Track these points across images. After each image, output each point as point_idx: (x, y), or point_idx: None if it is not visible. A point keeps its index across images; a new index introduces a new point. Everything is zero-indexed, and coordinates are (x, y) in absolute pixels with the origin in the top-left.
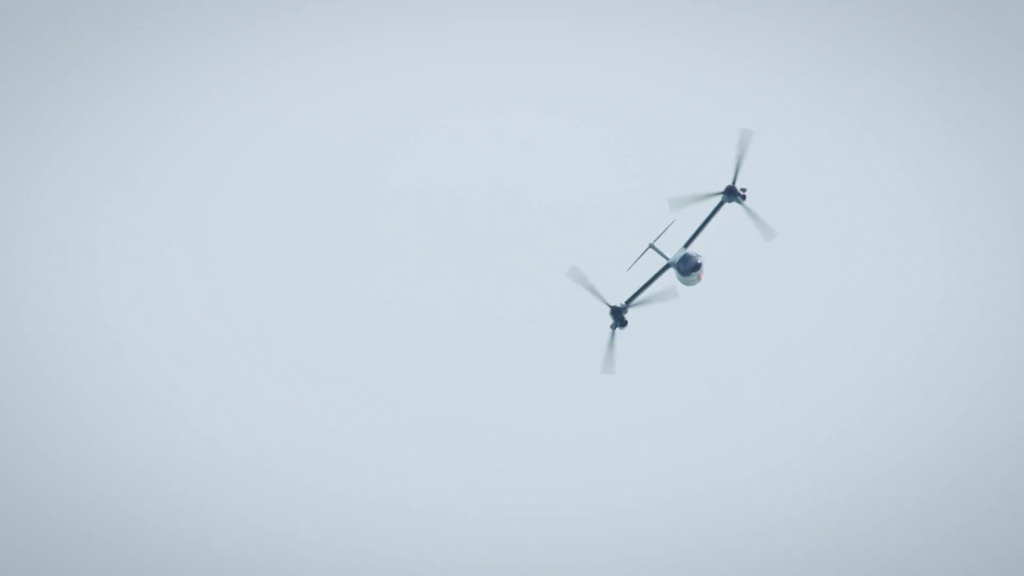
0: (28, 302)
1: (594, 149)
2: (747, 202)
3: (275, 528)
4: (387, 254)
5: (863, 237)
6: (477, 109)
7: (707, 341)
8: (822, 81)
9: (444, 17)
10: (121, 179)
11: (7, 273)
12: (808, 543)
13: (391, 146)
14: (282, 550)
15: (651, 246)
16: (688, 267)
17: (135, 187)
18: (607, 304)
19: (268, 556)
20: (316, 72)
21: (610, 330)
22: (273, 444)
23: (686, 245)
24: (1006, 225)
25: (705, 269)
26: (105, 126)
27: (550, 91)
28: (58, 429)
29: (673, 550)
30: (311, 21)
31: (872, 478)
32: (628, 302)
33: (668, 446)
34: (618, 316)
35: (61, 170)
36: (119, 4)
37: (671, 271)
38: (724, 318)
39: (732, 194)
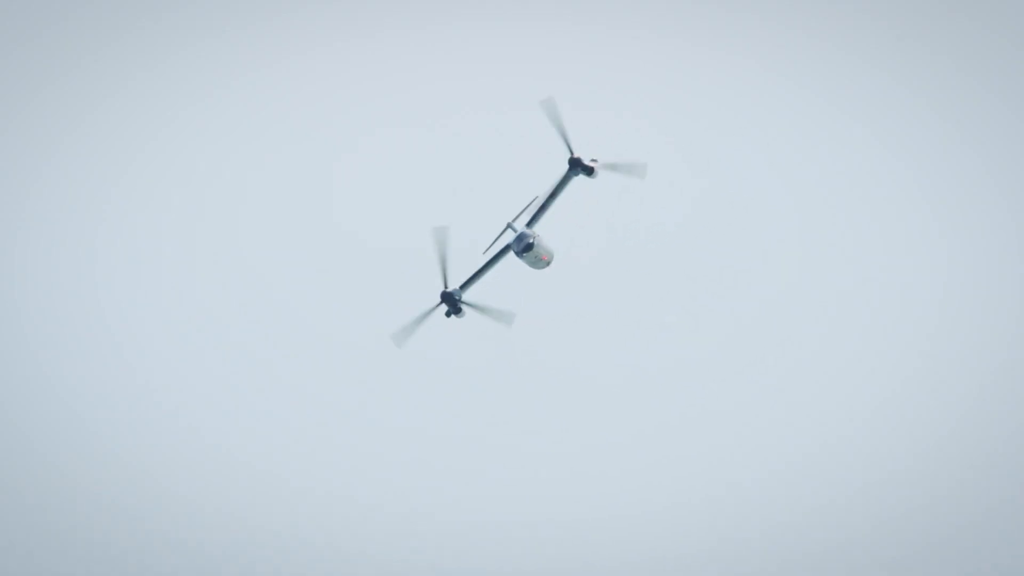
0: (27, 302)
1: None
2: (598, 166)
3: (275, 530)
4: (387, 254)
5: (863, 238)
6: (477, 109)
7: (707, 341)
8: (821, 80)
9: (444, 17)
10: (120, 180)
11: (6, 273)
12: (807, 545)
13: (391, 145)
14: (281, 551)
15: (509, 225)
16: (520, 247)
17: (134, 188)
18: (445, 285)
19: (268, 557)
20: (315, 72)
21: (430, 311)
22: (273, 444)
23: (529, 223)
24: (1008, 226)
25: (549, 251)
26: (104, 126)
27: (549, 91)
28: (56, 429)
29: (672, 554)
30: (310, 21)
31: (872, 480)
32: (463, 287)
33: (667, 446)
34: (450, 302)
35: (59, 171)
36: (119, 4)
37: (512, 254)
38: (724, 318)
39: (577, 166)
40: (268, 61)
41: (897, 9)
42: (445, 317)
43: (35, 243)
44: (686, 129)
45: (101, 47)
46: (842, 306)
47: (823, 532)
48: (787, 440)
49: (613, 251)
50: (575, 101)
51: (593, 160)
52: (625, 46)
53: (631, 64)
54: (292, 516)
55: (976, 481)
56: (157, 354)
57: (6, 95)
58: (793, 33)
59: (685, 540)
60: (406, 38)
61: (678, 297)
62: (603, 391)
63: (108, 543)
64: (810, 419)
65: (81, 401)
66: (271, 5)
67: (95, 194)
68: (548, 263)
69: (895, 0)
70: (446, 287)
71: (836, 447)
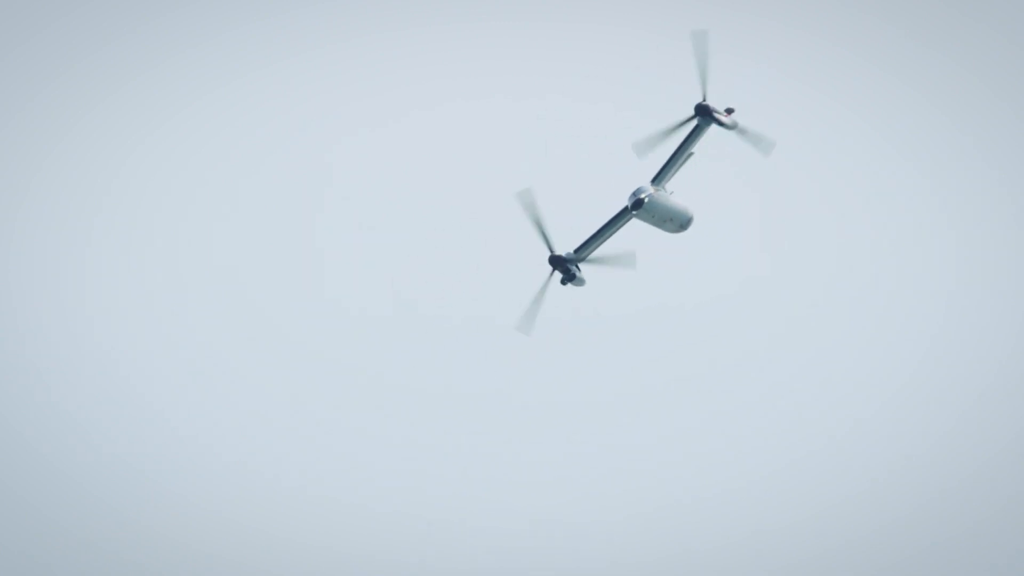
0: (23, 304)
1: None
2: (733, 123)
3: (271, 532)
4: (388, 252)
5: (871, 239)
6: (471, 101)
7: (707, 341)
8: (831, 82)
9: (443, 17)
10: (118, 179)
11: (4, 274)
12: (808, 548)
13: (391, 145)
14: (277, 553)
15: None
16: (632, 201)
17: (133, 187)
18: (550, 250)
19: (265, 559)
20: (315, 72)
21: (547, 280)
22: (274, 445)
23: (655, 179)
24: (1015, 228)
25: (677, 212)
26: (102, 126)
27: (549, 90)
28: (54, 430)
29: (671, 555)
30: (308, 22)
31: (875, 481)
32: (578, 251)
33: (668, 448)
34: (562, 268)
35: (55, 171)
36: (118, 4)
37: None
38: (724, 318)
39: (706, 114)
40: (267, 61)
41: (906, 10)
42: (562, 286)
43: (30, 242)
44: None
45: (99, 47)
46: (846, 308)
47: (825, 534)
48: (790, 441)
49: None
50: (575, 101)
51: (729, 110)
52: (627, 46)
53: (633, 63)
54: (287, 518)
55: (981, 483)
56: (150, 355)
57: (6, 95)
58: (794, 33)
59: (686, 541)
60: (406, 38)
61: (679, 298)
62: (605, 392)
63: (105, 543)
64: (813, 420)
65: (74, 403)
66: (270, 5)
67: (91, 194)
68: (683, 226)
69: (905, 1)
70: (552, 251)
71: (838, 448)
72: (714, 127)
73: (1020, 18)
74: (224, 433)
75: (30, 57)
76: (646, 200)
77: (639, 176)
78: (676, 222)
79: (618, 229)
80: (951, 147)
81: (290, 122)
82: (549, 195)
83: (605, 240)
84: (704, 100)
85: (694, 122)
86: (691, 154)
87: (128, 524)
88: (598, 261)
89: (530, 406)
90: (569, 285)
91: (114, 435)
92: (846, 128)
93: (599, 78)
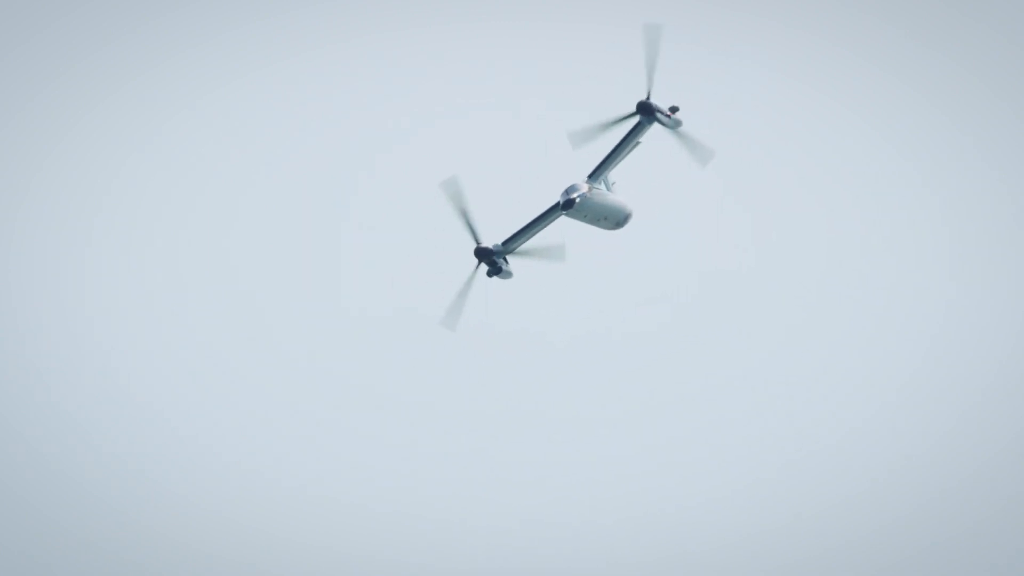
0: (25, 302)
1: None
2: (675, 123)
3: (274, 532)
4: (388, 252)
5: (868, 239)
6: (481, 109)
7: (707, 342)
8: (830, 82)
9: (442, 18)
10: (118, 179)
11: (4, 274)
12: (807, 548)
13: (391, 145)
14: (275, 553)
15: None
16: (563, 200)
17: (133, 187)
18: (476, 241)
19: (266, 559)
20: (314, 73)
21: (473, 273)
22: (274, 445)
23: (591, 176)
24: (1015, 228)
25: (613, 209)
26: (102, 126)
27: (551, 93)
28: (54, 430)
29: (666, 557)
30: (308, 22)
31: (877, 482)
32: (506, 244)
33: (664, 452)
34: (488, 260)
35: (58, 170)
36: (118, 4)
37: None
38: (725, 319)
39: (648, 112)
40: (267, 61)
41: (903, 9)
42: (488, 278)
43: (32, 243)
44: (691, 129)
45: (99, 47)
46: (844, 308)
47: (825, 534)
48: (790, 442)
49: (618, 251)
50: (574, 102)
51: (673, 108)
52: (626, 46)
53: (632, 65)
54: (287, 518)
55: (981, 483)
56: (150, 356)
57: (6, 95)
58: (794, 33)
59: (686, 542)
60: (406, 38)
61: (682, 298)
62: (605, 395)
63: (105, 543)
64: (813, 421)
65: (74, 403)
66: (270, 5)
67: (91, 194)
68: (619, 223)
69: (901, 1)
70: (479, 243)
71: (837, 449)
72: (656, 127)
73: (1020, 18)
74: (224, 433)
75: (30, 57)
76: (578, 200)
77: (575, 169)
78: (612, 220)
79: (547, 225)
80: (950, 147)
81: (289, 122)
82: (481, 187)
83: (534, 235)
84: (648, 97)
85: (636, 119)
86: (638, 143)
87: (128, 524)
88: (526, 254)
89: (529, 409)
90: (495, 278)
91: (114, 435)
92: (846, 128)
93: (575, 79)
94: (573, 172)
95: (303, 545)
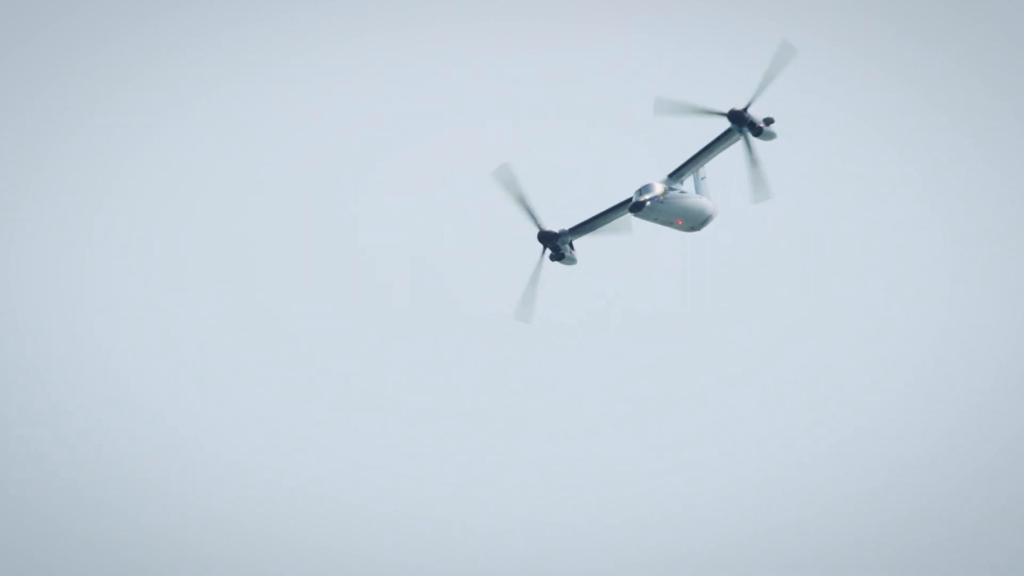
0: (25, 302)
1: (600, 151)
2: (760, 140)
3: (274, 532)
4: (388, 251)
5: (869, 240)
6: (481, 109)
7: (708, 342)
8: (830, 81)
9: (442, 18)
10: (118, 180)
11: (4, 274)
12: (807, 549)
13: (391, 146)
14: (281, 554)
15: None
16: (632, 203)
17: (133, 187)
18: (538, 226)
19: (266, 559)
20: (313, 74)
21: (539, 261)
22: (274, 445)
23: (672, 174)
24: (1015, 228)
25: (691, 210)
26: (102, 127)
27: (552, 97)
28: (54, 430)
29: (672, 557)
30: (308, 22)
31: (878, 483)
32: (573, 230)
33: (676, 451)
34: (552, 245)
35: (58, 170)
36: (118, 4)
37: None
38: (725, 319)
39: (739, 121)
40: (267, 61)
41: (903, 9)
42: (551, 262)
43: (32, 243)
44: (692, 130)
45: (98, 47)
46: (845, 309)
47: (824, 535)
48: (789, 443)
49: (621, 252)
50: (575, 103)
51: (767, 120)
52: (628, 46)
53: (634, 64)
54: (287, 518)
55: (981, 483)
56: (150, 355)
57: (6, 95)
58: (793, 32)
59: (693, 542)
60: (406, 38)
61: (683, 299)
62: (604, 396)
63: (105, 543)
64: (815, 422)
65: (74, 403)
66: (270, 5)
67: (91, 195)
68: (695, 227)
69: (905, 1)
70: (540, 227)
71: (837, 449)
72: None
73: (1020, 18)
74: (224, 433)
75: (30, 57)
76: (648, 203)
77: (575, 171)
78: (688, 222)
79: (614, 220)
80: (950, 147)
81: (290, 122)
82: (480, 186)
83: (599, 229)
84: (747, 109)
85: (726, 124)
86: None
87: (128, 524)
88: (590, 231)
89: (529, 409)
90: (558, 264)
91: (114, 435)
92: (846, 128)
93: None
94: (573, 173)
95: (303, 545)
